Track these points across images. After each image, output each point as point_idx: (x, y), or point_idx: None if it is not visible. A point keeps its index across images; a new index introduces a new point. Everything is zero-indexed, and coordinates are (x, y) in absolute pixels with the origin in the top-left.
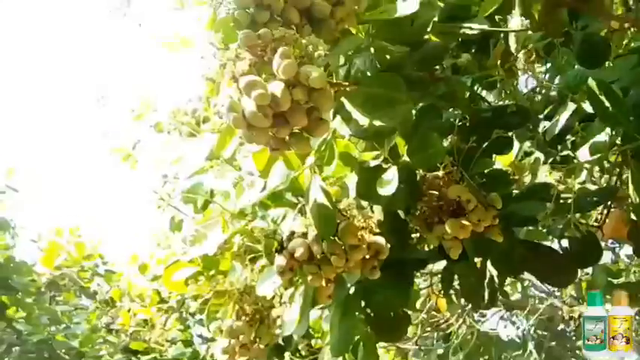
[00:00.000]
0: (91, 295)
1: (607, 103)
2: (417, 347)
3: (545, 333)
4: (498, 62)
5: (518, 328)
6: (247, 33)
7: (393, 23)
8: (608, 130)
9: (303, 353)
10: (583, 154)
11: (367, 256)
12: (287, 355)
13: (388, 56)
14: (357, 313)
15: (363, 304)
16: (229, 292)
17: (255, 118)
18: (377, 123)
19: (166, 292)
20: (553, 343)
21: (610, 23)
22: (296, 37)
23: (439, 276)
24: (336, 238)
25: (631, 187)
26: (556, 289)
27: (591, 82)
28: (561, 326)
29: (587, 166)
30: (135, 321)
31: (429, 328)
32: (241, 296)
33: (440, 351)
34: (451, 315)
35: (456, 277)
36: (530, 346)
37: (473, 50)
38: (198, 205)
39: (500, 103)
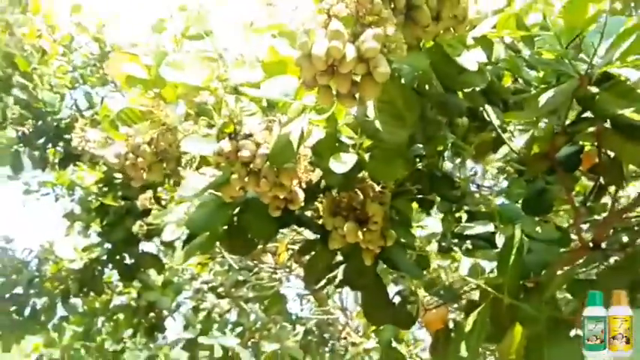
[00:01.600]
0: None
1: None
2: None
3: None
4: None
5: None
6: None
7: (449, 63)
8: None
9: None
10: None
11: (280, 196)
12: None
13: (427, 86)
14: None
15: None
16: (159, 119)
17: (317, 60)
18: (377, 123)
19: None
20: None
21: None
22: (393, 28)
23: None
24: (275, 168)
25: None
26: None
27: (517, 232)
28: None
29: None
30: None
31: None
32: (166, 131)
33: None
34: None
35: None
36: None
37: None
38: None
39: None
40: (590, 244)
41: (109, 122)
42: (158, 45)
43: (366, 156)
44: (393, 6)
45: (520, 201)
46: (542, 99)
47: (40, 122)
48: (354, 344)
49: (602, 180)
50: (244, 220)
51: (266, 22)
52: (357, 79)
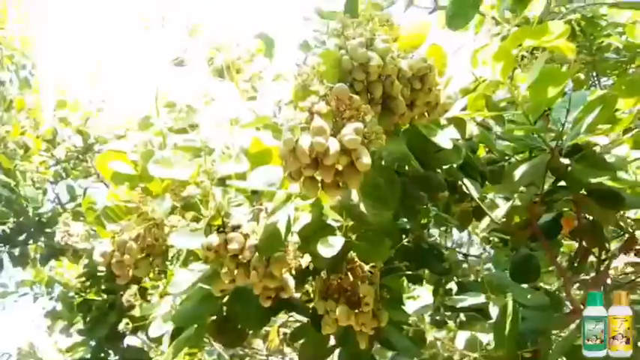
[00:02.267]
0: None
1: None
2: None
3: None
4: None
5: None
6: (344, 89)
7: (426, 143)
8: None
9: None
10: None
11: (271, 286)
12: None
13: (406, 167)
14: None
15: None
16: (146, 214)
17: (302, 155)
18: (361, 206)
19: None
20: None
21: None
22: (371, 122)
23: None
24: (265, 258)
25: None
26: None
27: (509, 302)
28: None
29: None
30: None
31: None
32: (153, 226)
33: None
34: None
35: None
36: None
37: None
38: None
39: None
40: (582, 307)
41: (94, 218)
42: (144, 141)
43: (354, 237)
44: (370, 96)
45: (507, 269)
46: (517, 173)
47: (21, 218)
48: None
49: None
50: (234, 311)
51: (250, 117)
52: (340, 168)
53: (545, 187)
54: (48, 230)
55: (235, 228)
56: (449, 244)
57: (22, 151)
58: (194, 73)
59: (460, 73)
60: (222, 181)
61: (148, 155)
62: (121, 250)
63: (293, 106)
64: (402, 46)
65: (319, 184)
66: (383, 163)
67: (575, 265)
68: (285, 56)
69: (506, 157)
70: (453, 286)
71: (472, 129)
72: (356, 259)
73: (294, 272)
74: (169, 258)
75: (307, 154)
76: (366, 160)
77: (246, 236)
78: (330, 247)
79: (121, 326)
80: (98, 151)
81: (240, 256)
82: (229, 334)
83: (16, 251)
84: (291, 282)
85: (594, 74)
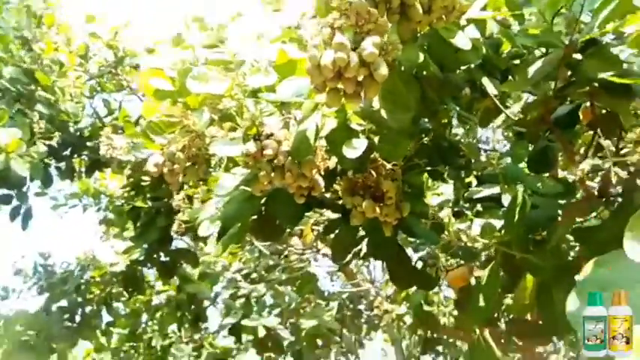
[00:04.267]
0: None
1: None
2: None
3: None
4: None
5: None
6: (362, 3)
7: (445, 45)
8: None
9: None
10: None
11: (304, 185)
12: None
13: (425, 72)
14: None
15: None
16: (188, 126)
17: (325, 69)
18: (382, 111)
19: None
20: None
21: None
22: (385, 32)
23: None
24: (297, 161)
25: None
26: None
27: (519, 192)
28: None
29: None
30: None
31: None
32: (195, 137)
33: None
34: None
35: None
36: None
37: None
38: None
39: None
40: (596, 193)
41: (140, 131)
42: (180, 58)
43: (376, 139)
44: (388, 6)
45: (524, 161)
46: (532, 69)
47: (63, 133)
48: (386, 312)
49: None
50: (272, 209)
51: (275, 30)
52: (360, 79)
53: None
54: (89, 144)
55: (269, 135)
56: (473, 141)
57: (58, 67)
58: None
59: None
60: (253, 93)
61: (185, 72)
62: (170, 161)
63: (316, 22)
64: None
65: (342, 94)
66: (402, 69)
67: (590, 154)
68: None
69: (528, 52)
70: (473, 181)
71: (492, 28)
72: (378, 158)
73: (323, 173)
74: (212, 165)
75: (330, 68)
76: (384, 71)
77: (279, 142)
78: (355, 148)
79: (174, 227)
80: (129, 65)
81: (275, 160)
82: (268, 231)
83: (62, 165)
84: (321, 181)
85: None
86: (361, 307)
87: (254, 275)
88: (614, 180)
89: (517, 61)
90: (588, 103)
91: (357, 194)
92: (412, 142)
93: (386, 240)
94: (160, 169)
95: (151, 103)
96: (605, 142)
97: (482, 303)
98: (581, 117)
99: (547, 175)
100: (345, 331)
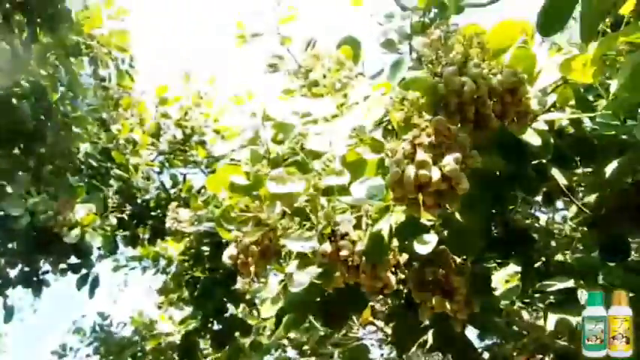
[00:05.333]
0: None
1: None
2: None
3: None
4: None
5: None
6: (442, 121)
7: (516, 141)
8: None
9: None
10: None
11: (378, 286)
12: None
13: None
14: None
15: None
16: (263, 219)
17: (407, 184)
18: (456, 213)
19: None
20: None
21: None
22: (468, 147)
23: None
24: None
25: None
26: None
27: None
28: None
29: None
30: None
31: None
32: (269, 231)
33: None
34: None
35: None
36: None
37: None
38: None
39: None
40: None
41: (216, 222)
42: (254, 155)
43: (445, 232)
44: (463, 115)
45: (596, 251)
46: (608, 170)
47: (133, 206)
48: None
49: None
50: (339, 297)
51: (348, 132)
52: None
53: None
54: (153, 213)
55: (344, 235)
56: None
57: (131, 146)
58: (285, 79)
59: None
60: (327, 192)
61: (260, 174)
62: (244, 254)
63: (396, 138)
64: (489, 48)
65: (421, 205)
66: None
67: None
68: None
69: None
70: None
71: (562, 122)
72: (447, 252)
73: (394, 270)
74: (282, 256)
75: (412, 184)
76: (465, 185)
77: (353, 243)
78: (426, 244)
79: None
80: (197, 142)
81: (349, 261)
82: (333, 317)
83: (128, 233)
84: (393, 279)
85: None
86: None
87: (305, 347)
88: None
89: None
90: None
91: (426, 289)
92: (484, 238)
93: (454, 334)
94: (233, 261)
95: (224, 193)
96: None
97: None
98: None
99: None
100: None
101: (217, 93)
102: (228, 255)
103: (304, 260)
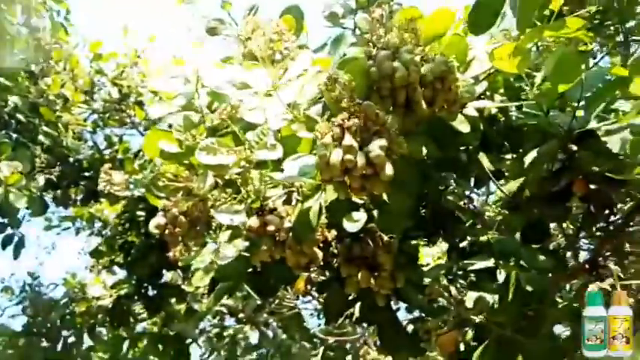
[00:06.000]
0: None
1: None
2: None
3: None
4: None
5: None
6: (371, 106)
7: (444, 127)
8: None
9: None
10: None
11: (303, 261)
12: None
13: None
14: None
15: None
16: (194, 189)
17: (334, 167)
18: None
19: None
20: None
21: None
22: (395, 133)
23: None
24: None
25: None
26: None
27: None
28: None
29: None
30: None
31: None
32: (199, 201)
33: None
34: None
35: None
36: None
37: None
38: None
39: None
40: (586, 266)
41: (147, 187)
42: (187, 122)
43: (375, 211)
44: (394, 101)
45: (517, 233)
46: (528, 159)
47: (63, 166)
48: None
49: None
50: (268, 271)
51: (282, 109)
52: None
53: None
54: (87, 174)
55: (272, 210)
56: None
57: (62, 102)
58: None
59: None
60: (259, 166)
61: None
62: (172, 224)
63: (329, 118)
64: (423, 34)
65: (348, 187)
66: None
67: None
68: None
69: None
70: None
71: (491, 109)
72: (376, 229)
73: (321, 245)
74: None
75: (339, 167)
76: (389, 171)
77: (281, 218)
78: (355, 222)
79: (172, 277)
80: (133, 102)
81: (277, 236)
82: (263, 288)
83: (59, 192)
84: (320, 254)
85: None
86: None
87: (241, 315)
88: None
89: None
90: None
91: (354, 264)
92: (410, 218)
93: (379, 307)
94: (160, 231)
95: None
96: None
97: None
98: (575, 189)
99: (539, 247)
100: None
101: (155, 53)
102: (155, 224)
103: (234, 232)
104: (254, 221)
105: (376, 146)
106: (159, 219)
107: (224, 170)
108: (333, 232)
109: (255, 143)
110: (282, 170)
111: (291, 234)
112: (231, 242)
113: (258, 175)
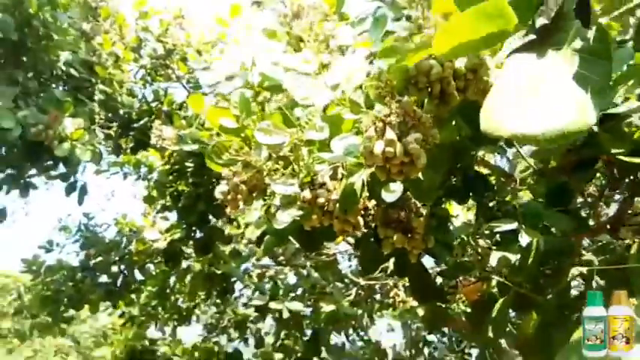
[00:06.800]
0: None
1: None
2: None
3: None
4: None
5: None
6: (409, 103)
7: (477, 109)
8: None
9: None
10: (493, 259)
11: (348, 229)
12: None
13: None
14: None
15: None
16: (252, 161)
17: (376, 157)
18: None
19: None
20: None
21: None
22: (430, 126)
23: None
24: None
25: None
26: None
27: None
28: None
29: None
30: None
31: None
32: (256, 172)
33: None
34: None
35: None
36: None
37: None
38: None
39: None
40: (607, 227)
41: (208, 156)
42: (243, 99)
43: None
44: (430, 92)
45: (543, 197)
46: None
47: (115, 118)
48: (403, 302)
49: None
50: (314, 229)
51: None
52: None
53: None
54: (136, 125)
55: (322, 184)
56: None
57: (113, 59)
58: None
59: None
60: (308, 143)
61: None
62: (235, 191)
63: (371, 115)
64: None
65: (388, 172)
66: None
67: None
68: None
69: None
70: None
71: None
72: (410, 197)
73: (363, 212)
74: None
75: (380, 157)
76: (423, 160)
77: (329, 191)
78: (392, 192)
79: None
80: (178, 58)
81: (325, 207)
82: (309, 243)
83: (111, 142)
84: (362, 222)
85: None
86: (378, 292)
87: (281, 258)
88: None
89: None
90: None
91: (390, 227)
92: (441, 189)
93: (411, 263)
94: (225, 197)
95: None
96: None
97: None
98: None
99: (563, 210)
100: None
101: (199, 15)
102: (220, 191)
103: (287, 198)
104: (307, 193)
105: (413, 139)
106: (222, 187)
107: (278, 147)
108: (373, 202)
109: (305, 124)
110: (328, 148)
111: (337, 205)
112: (285, 209)
113: (307, 153)
